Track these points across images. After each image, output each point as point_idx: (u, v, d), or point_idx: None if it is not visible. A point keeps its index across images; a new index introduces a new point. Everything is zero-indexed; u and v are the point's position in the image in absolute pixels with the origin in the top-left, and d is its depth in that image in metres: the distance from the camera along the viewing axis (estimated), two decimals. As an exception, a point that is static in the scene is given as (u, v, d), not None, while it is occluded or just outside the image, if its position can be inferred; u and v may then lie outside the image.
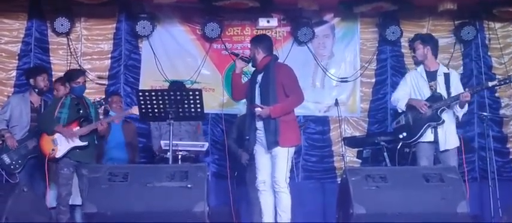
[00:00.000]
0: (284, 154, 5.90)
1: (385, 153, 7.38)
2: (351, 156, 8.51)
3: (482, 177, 8.57)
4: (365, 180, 5.13)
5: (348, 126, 8.96)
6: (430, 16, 9.04)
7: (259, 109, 5.85)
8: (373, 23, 9.12)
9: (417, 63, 6.55)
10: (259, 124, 5.97)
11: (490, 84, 6.71)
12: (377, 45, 9.11)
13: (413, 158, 6.65)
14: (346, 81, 8.96)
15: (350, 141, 8.23)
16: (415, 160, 6.55)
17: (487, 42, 9.13)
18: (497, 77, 8.84)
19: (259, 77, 6.05)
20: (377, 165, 7.53)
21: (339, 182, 5.94)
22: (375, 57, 9.09)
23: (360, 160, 8.22)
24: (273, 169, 5.91)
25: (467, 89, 6.52)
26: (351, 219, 4.95)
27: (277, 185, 5.85)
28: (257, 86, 6.03)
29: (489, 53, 9.15)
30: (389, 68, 9.04)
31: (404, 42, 9.04)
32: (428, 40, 6.60)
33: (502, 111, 9.06)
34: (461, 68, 9.03)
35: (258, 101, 5.96)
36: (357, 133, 8.81)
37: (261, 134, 5.99)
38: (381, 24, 9.00)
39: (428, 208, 4.96)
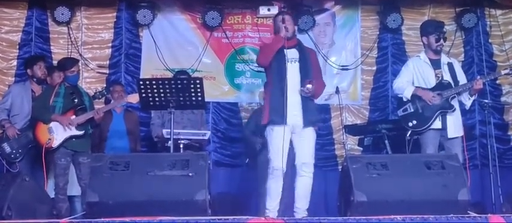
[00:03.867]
0: (314, 137, 5.82)
1: (386, 141, 7.38)
2: (352, 144, 8.51)
3: (483, 164, 8.56)
4: (366, 167, 5.12)
5: (349, 114, 8.96)
6: (431, 3, 9.03)
7: (309, 86, 5.65)
8: (374, 10, 9.11)
9: (439, 52, 6.49)
10: (296, 101, 5.74)
11: (503, 72, 6.71)
12: (378, 33, 9.09)
13: (415, 145, 6.64)
14: (347, 69, 8.96)
15: (351, 129, 8.23)
16: (417, 148, 6.55)
17: (488, 29, 9.11)
18: (498, 63, 8.89)
19: (293, 54, 5.84)
20: (378, 153, 7.54)
21: (340, 170, 5.93)
22: (376, 45, 9.08)
23: (361, 148, 8.22)
24: (305, 151, 5.74)
25: (479, 77, 6.52)
26: (352, 206, 4.96)
27: (307, 169, 5.70)
28: (292, 62, 5.80)
29: (490, 40, 9.12)
30: (390, 56, 9.03)
31: (405, 30, 9.04)
32: None
33: (503, 99, 9.06)
34: (462, 55, 9.02)
35: (296, 77, 5.77)
36: (358, 121, 8.82)
37: (294, 112, 5.72)
38: (381, 12, 8.99)
39: (430, 196, 4.96)
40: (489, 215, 4.57)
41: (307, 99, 5.75)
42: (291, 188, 5.85)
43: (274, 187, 5.71)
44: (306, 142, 5.76)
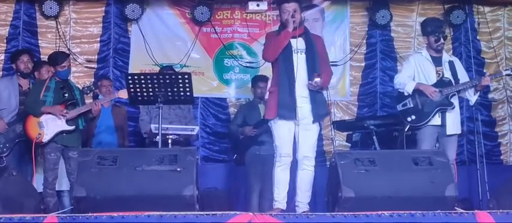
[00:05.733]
0: (318, 130, 5.72)
1: (374, 137, 7.39)
2: (340, 140, 8.52)
3: (470, 160, 8.61)
4: (354, 163, 5.11)
5: (337, 110, 8.98)
6: (420, 0, 9.04)
7: (317, 79, 5.47)
8: (362, 6, 9.12)
9: (441, 51, 6.52)
10: (304, 94, 5.57)
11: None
12: (367, 29, 9.11)
13: (409, 141, 6.63)
14: (335, 65, 8.92)
15: (339, 125, 8.23)
16: (412, 143, 6.56)
17: (476, 26, 9.14)
18: (486, 60, 8.94)
19: (300, 44, 5.63)
20: (366, 149, 7.55)
21: (328, 166, 5.93)
22: (365, 41, 9.09)
23: (349, 144, 8.23)
24: (308, 144, 5.59)
25: (488, 74, 6.68)
26: (340, 202, 4.95)
27: (309, 163, 5.59)
28: (299, 53, 5.61)
29: (478, 37, 9.16)
30: (378, 52, 9.05)
31: (394, 27, 9.06)
32: None
33: (490, 95, 9.11)
34: (451, 51, 9.03)
35: (303, 69, 5.58)
36: (347, 117, 8.84)
37: (301, 105, 5.56)
38: (370, 8, 9.00)
39: (417, 192, 4.97)
40: (476, 211, 4.58)
41: (315, 93, 5.58)
42: (292, 182, 5.76)
43: (282, 177, 5.59)
44: (311, 135, 5.63)
